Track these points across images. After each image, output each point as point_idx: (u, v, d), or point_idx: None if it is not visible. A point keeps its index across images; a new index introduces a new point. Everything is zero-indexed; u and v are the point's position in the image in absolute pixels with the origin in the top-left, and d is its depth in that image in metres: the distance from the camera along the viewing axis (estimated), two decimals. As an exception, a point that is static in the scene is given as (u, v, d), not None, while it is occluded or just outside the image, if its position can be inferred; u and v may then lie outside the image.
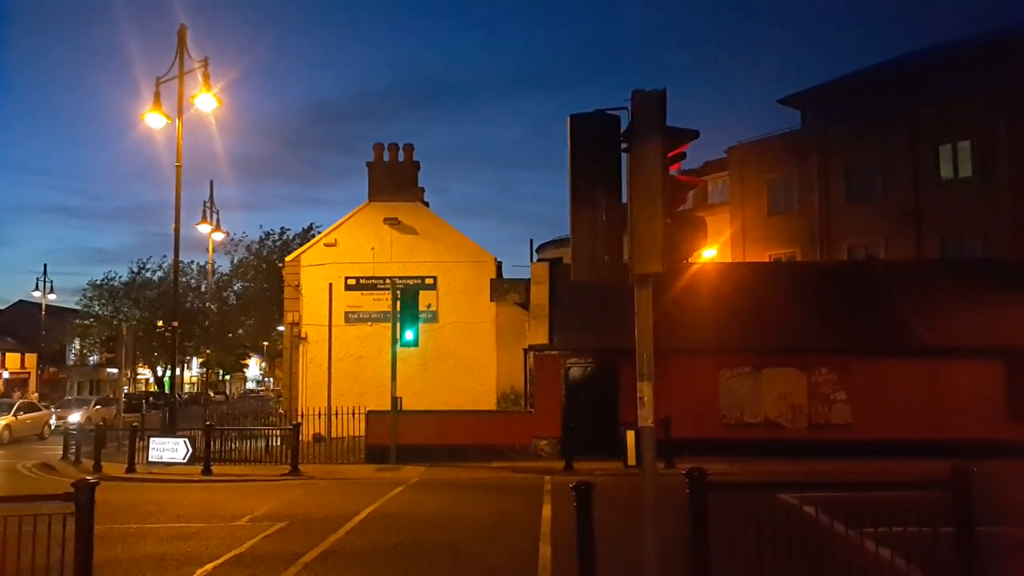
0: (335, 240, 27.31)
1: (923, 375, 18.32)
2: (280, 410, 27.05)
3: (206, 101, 19.27)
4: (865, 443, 17.29)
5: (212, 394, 59.20)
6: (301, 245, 32.46)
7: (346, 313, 26.48)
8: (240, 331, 49.87)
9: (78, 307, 53.56)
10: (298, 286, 26.93)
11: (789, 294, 20.41)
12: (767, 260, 29.73)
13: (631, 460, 15.63)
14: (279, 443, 19.78)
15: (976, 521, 5.49)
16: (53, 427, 30.77)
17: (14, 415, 28.64)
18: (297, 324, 26.74)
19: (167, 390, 39.61)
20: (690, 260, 18.26)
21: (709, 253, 25.32)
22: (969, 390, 17.90)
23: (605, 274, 5.82)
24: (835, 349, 18.74)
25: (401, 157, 27.84)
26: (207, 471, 17.08)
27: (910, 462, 12.89)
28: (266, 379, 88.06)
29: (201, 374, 67.54)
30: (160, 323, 43.85)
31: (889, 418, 17.93)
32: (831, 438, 17.82)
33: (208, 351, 40.66)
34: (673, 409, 16.26)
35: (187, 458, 17.99)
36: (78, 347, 60.44)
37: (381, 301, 24.99)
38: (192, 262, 48.63)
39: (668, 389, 15.47)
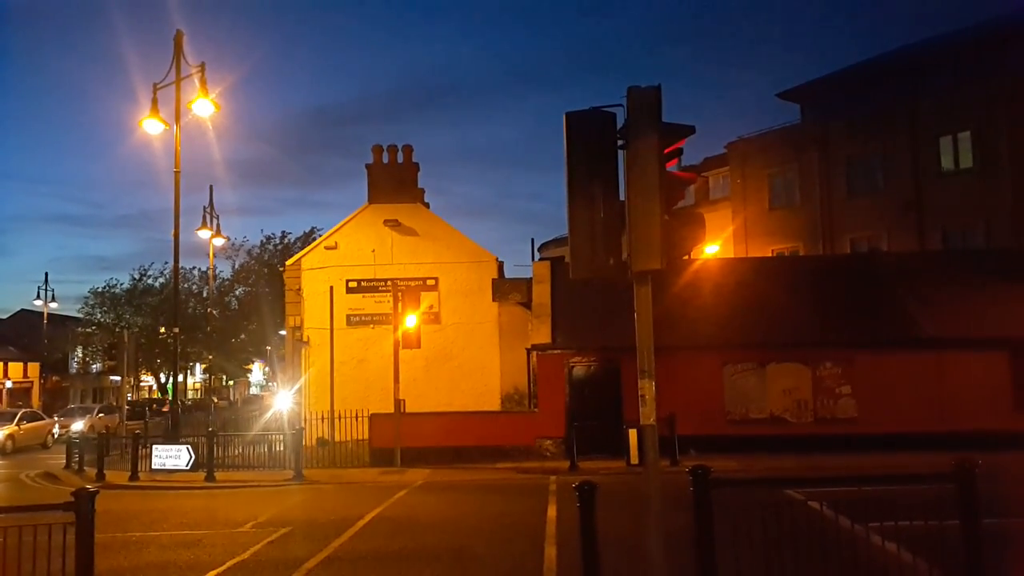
0: (335, 243, 27.26)
1: (928, 367, 18.26)
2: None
3: (203, 106, 19.32)
4: (871, 437, 17.20)
5: (216, 399, 59.28)
6: (302, 249, 32.44)
7: (348, 316, 26.44)
8: (242, 336, 49.96)
9: (80, 315, 53.67)
10: (299, 290, 26.89)
11: (792, 289, 20.33)
12: (769, 255, 29.68)
13: (634, 459, 15.59)
14: (282, 448, 19.75)
15: (982, 513, 5.44)
16: (56, 436, 30.75)
17: (17, 425, 28.65)
18: (299, 328, 26.70)
19: (170, 396, 39.59)
20: (691, 256, 18.22)
21: (711, 249, 25.25)
22: (974, 381, 17.85)
23: (604, 272, 5.78)
24: (839, 343, 18.69)
25: (400, 159, 27.81)
26: (210, 477, 17.08)
27: (916, 455, 12.83)
28: (270, 384, 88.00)
29: (205, 380, 67.67)
30: (162, 329, 43.90)
31: (894, 411, 17.88)
32: (836, 432, 17.76)
33: (211, 356, 40.69)
34: (677, 406, 16.27)
35: (190, 465, 17.98)
36: (80, 355, 60.49)
37: (383, 303, 24.96)
38: (193, 268, 48.88)
39: (672, 386, 15.53)
